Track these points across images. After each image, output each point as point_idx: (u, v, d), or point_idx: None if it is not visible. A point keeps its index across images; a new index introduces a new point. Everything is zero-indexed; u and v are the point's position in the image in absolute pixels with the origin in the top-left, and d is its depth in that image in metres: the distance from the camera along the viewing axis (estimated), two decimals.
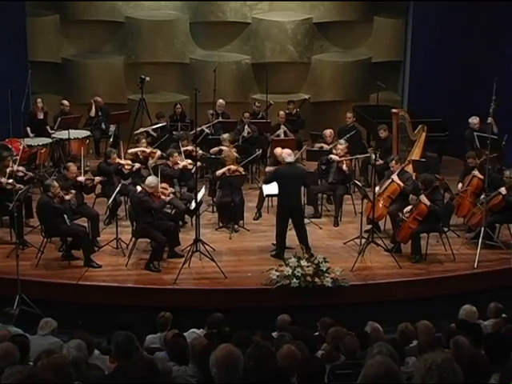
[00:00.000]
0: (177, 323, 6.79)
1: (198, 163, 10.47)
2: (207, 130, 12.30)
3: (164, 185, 9.68)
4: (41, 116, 12.53)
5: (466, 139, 11.54)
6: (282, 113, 12.86)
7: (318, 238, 9.92)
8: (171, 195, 9.28)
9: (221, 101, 12.99)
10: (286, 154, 9.23)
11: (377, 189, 9.57)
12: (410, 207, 9.29)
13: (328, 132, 11.51)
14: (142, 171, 10.27)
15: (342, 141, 10.90)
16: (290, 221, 9.14)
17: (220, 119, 12.85)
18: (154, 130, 12.45)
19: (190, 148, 11.01)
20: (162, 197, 9.15)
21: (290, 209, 9.05)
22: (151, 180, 8.97)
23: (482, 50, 12.72)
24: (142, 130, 12.36)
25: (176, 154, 10.33)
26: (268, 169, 10.94)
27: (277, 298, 8.35)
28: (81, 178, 9.59)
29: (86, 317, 7.94)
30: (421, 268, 9.04)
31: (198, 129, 11.81)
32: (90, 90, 13.93)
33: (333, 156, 10.70)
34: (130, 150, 10.54)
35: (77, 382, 4.47)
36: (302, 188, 9.41)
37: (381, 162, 11.14)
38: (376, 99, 11.20)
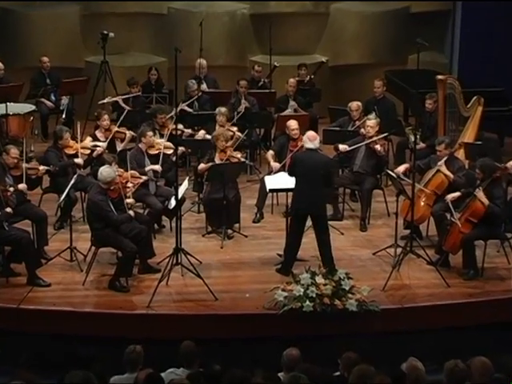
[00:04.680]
0: (151, 360, 6.79)
1: (181, 148, 10.47)
2: (189, 109, 12.27)
3: (133, 172, 9.68)
4: None
5: None
6: (292, 80, 12.84)
7: (340, 246, 9.89)
8: (132, 199, 9.24)
9: (200, 61, 12.92)
10: (307, 138, 9.27)
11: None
12: (457, 194, 9.29)
13: (355, 105, 11.50)
14: (105, 157, 10.27)
15: (371, 116, 10.91)
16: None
17: (204, 87, 12.79)
18: (124, 100, 12.45)
19: (170, 126, 11.01)
20: (127, 188, 9.16)
21: (309, 210, 9.06)
22: (105, 174, 8.93)
23: None
24: (109, 99, 12.33)
25: (150, 133, 10.32)
26: (270, 153, 10.94)
27: (284, 325, 8.34)
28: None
29: (31, 351, 7.93)
30: (476, 286, 9.04)
31: (178, 109, 11.80)
32: (36, 50, 13.92)
33: (340, 146, 10.70)
34: (82, 144, 10.53)
35: None
36: None
37: (422, 145, 11.12)
38: (416, 62, 11.17)
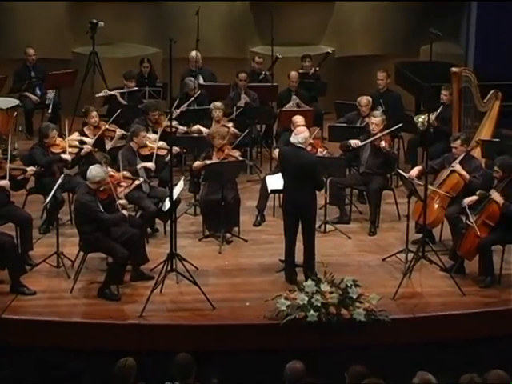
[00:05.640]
0: (144, 373, 6.81)
1: (175, 149, 10.48)
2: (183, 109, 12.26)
3: (125, 173, 9.70)
4: None
5: None
6: (294, 74, 12.85)
7: (347, 251, 9.93)
8: (124, 200, 9.25)
9: (193, 54, 12.92)
10: (294, 132, 9.29)
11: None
12: (474, 197, 9.30)
13: (364, 100, 11.53)
14: (96, 156, 10.28)
15: (376, 112, 10.92)
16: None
17: (200, 80, 12.77)
18: (120, 95, 12.45)
19: (164, 123, 11.02)
20: (119, 188, 9.17)
21: (295, 211, 9.10)
22: (94, 173, 8.93)
23: None
24: (106, 93, 12.28)
25: (143, 134, 10.33)
26: (276, 153, 10.96)
27: (287, 337, 8.36)
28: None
29: (15, 365, 7.94)
30: (492, 295, 9.05)
31: (177, 111, 11.83)
32: (20, 41, 13.93)
33: (352, 141, 10.72)
34: (69, 138, 10.55)
35: None
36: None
37: (434, 121, 11.05)
38: (428, 53, 11.19)
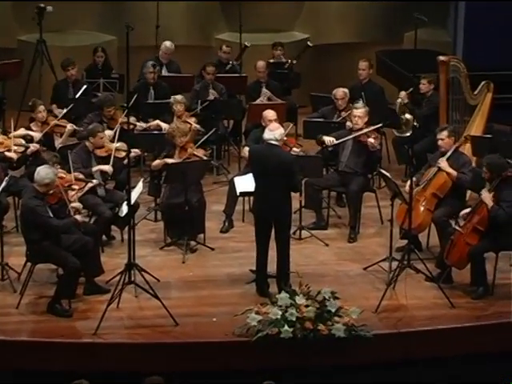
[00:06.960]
0: None
1: (135, 151, 10.45)
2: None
3: (77, 174, 9.67)
4: None
5: None
6: (260, 63, 12.85)
7: (324, 260, 9.94)
8: (78, 203, 9.23)
9: (167, 44, 12.94)
10: (267, 128, 9.29)
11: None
12: (467, 210, 9.36)
13: (341, 92, 11.58)
14: (43, 155, 10.24)
15: (358, 104, 10.93)
16: None
17: (163, 71, 12.78)
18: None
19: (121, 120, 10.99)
20: (71, 192, 9.16)
21: (268, 215, 9.11)
22: (43, 174, 8.89)
23: None
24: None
25: (102, 135, 10.27)
26: (247, 150, 10.97)
27: (258, 355, 8.36)
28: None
29: None
30: (485, 307, 9.08)
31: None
32: None
33: (326, 138, 10.70)
34: (15, 133, 10.51)
35: None
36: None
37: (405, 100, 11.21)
38: (413, 41, 11.28)
